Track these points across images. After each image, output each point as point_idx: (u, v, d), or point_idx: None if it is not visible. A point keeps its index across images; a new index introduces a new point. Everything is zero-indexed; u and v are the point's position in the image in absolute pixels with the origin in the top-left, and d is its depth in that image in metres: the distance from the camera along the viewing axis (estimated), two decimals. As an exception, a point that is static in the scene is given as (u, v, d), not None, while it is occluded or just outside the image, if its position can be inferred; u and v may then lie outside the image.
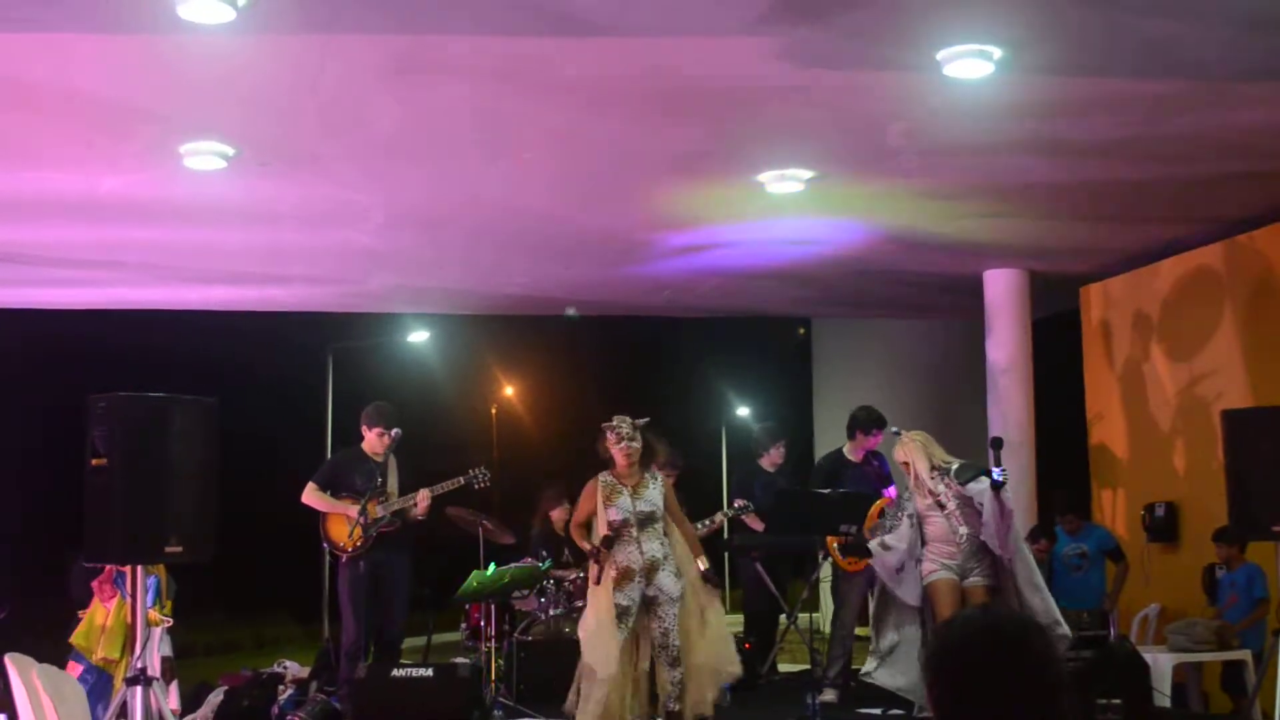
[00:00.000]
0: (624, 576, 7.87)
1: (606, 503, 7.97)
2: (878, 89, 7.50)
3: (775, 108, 7.83)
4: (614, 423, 8.05)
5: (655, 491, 8.05)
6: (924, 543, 8.40)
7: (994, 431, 11.94)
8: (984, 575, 8.30)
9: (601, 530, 7.99)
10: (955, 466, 8.40)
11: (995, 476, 7.95)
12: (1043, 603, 8.20)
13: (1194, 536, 10.66)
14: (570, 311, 12.68)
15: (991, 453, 8.11)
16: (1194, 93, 7.60)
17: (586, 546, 8.05)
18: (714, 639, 8.11)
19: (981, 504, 8.12)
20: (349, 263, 11.73)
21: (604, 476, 8.06)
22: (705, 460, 35.01)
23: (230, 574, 14.50)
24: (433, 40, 6.73)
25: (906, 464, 8.47)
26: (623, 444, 8.00)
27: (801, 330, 19.62)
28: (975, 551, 8.26)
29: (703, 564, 8.12)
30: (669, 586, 7.92)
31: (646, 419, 8.17)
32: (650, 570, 7.90)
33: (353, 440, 9.93)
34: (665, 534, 8.04)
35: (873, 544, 8.53)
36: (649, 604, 7.93)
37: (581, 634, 8.00)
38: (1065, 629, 8.20)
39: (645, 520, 7.96)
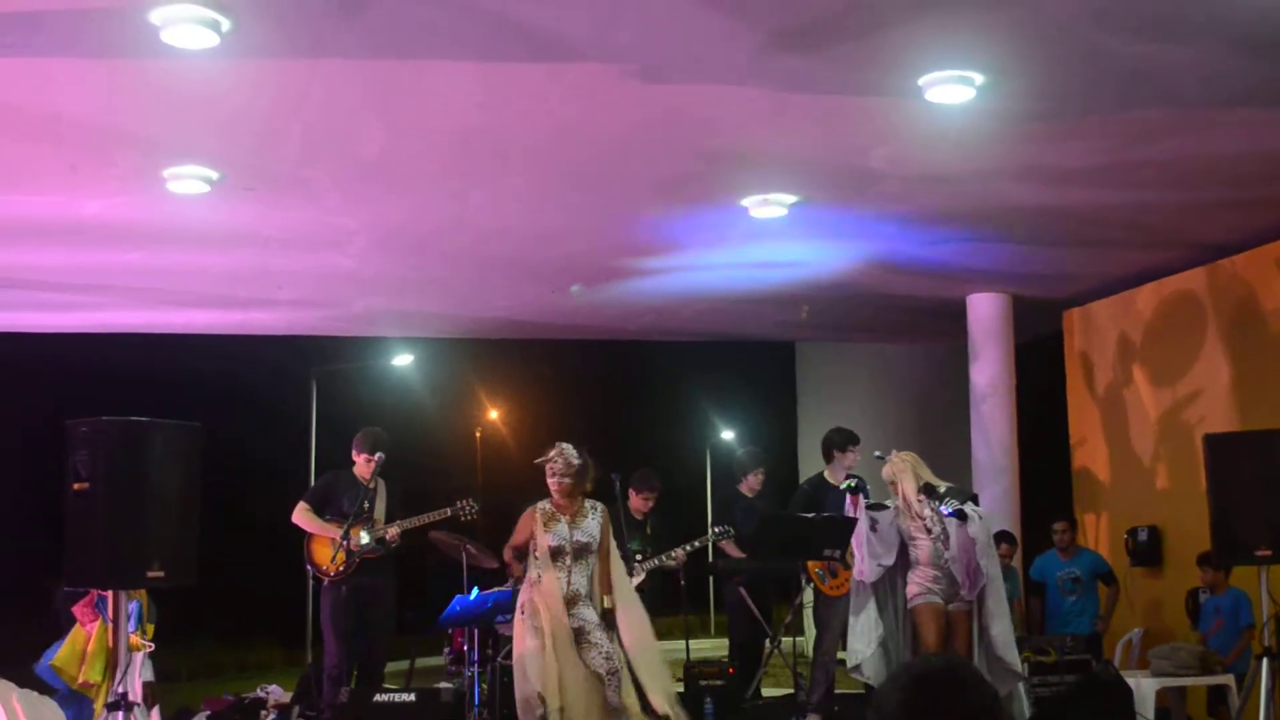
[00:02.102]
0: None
1: (545, 529, 8.00)
2: (860, 114, 7.53)
3: (758, 133, 7.86)
4: (549, 455, 8.08)
5: (594, 523, 8.07)
6: (909, 565, 8.41)
7: (977, 454, 12.00)
8: (966, 600, 8.31)
9: (539, 555, 8.02)
10: (943, 490, 8.43)
11: (944, 510, 8.12)
12: (1003, 634, 8.24)
13: (1177, 560, 10.68)
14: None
15: (932, 500, 8.26)
16: (1175, 119, 7.64)
17: (516, 566, 8.07)
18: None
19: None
20: (333, 286, 11.73)
21: (543, 505, 8.09)
22: (689, 483, 35.04)
23: (213, 598, 14.46)
24: (415, 65, 6.74)
25: (894, 484, 8.47)
26: (555, 478, 8.04)
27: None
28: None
29: (608, 602, 8.12)
30: (590, 616, 7.94)
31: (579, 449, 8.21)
32: (571, 601, 7.92)
33: (340, 463, 9.91)
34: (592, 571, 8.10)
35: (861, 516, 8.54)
36: (577, 636, 7.93)
37: (516, 667, 7.99)
38: (1016, 666, 8.25)
39: (580, 550, 7.98)
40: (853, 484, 8.68)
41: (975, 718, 2.57)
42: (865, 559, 8.43)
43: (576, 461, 8.06)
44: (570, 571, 7.94)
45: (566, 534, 7.97)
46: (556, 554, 7.94)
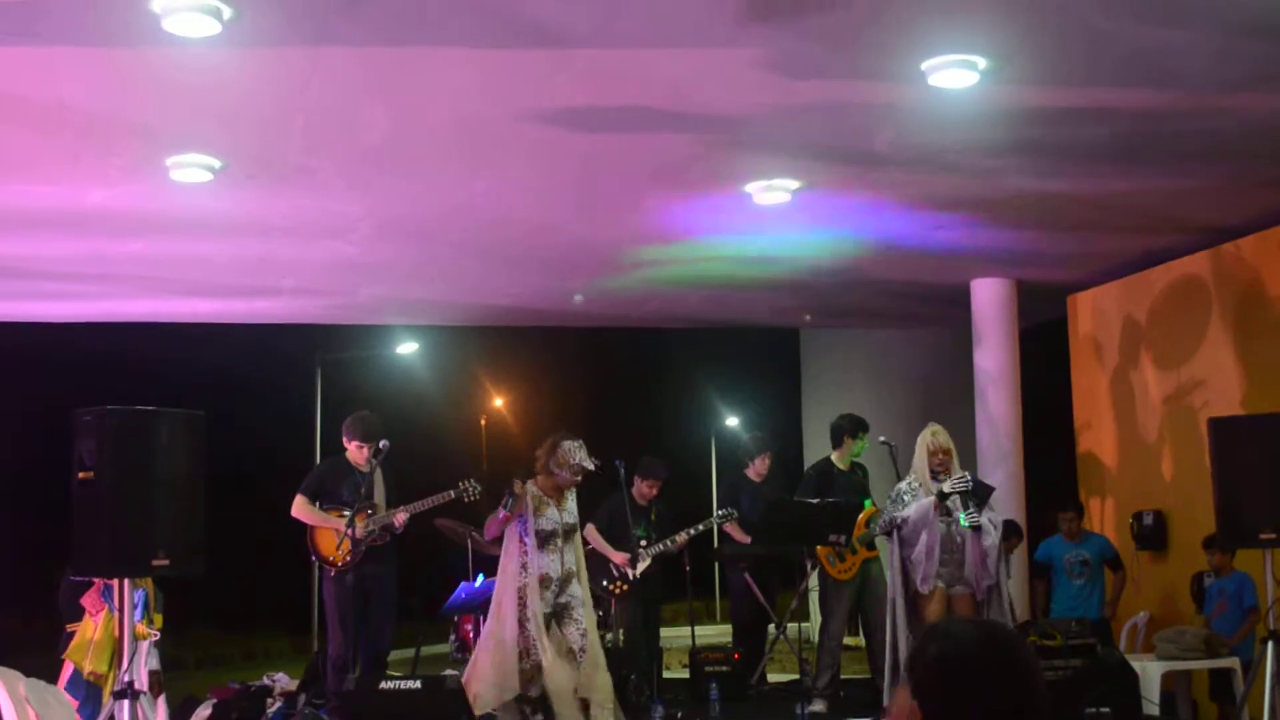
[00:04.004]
0: (542, 584, 7.98)
1: (536, 514, 8.06)
2: (864, 99, 7.52)
3: (761, 119, 7.84)
4: (579, 458, 8.10)
5: (573, 503, 8.22)
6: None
7: (981, 439, 12.00)
8: (968, 585, 8.36)
9: (529, 540, 8.09)
10: (969, 478, 8.48)
11: (963, 521, 8.15)
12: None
13: (1182, 545, 10.67)
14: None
15: (959, 498, 8.29)
16: (1179, 102, 7.62)
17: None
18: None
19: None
20: (337, 274, 11.72)
21: (532, 489, 8.14)
22: (694, 470, 35.06)
23: (219, 587, 14.49)
24: (417, 53, 6.74)
25: (948, 451, 8.50)
26: (579, 476, 8.13)
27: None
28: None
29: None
30: (579, 592, 8.06)
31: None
32: (566, 580, 8.02)
33: (339, 450, 9.85)
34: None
35: (880, 526, 8.55)
36: (561, 612, 8.03)
37: (490, 646, 8.05)
38: None
39: (569, 531, 8.13)
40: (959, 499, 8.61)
41: (1013, 679, 2.55)
42: (932, 570, 8.43)
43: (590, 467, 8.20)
44: (562, 552, 8.05)
45: (557, 517, 8.07)
46: (550, 538, 8.03)
